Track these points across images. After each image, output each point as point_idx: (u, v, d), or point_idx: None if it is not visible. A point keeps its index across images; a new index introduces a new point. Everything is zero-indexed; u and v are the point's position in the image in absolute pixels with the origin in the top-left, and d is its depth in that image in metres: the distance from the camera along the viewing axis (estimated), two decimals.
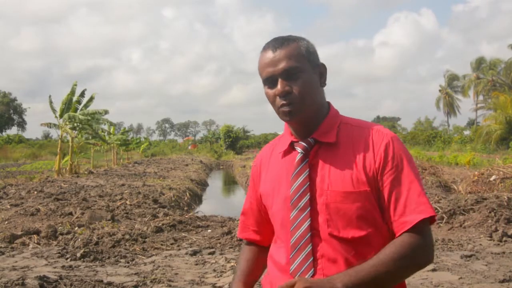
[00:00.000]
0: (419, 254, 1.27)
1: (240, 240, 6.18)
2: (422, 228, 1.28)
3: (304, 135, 1.40)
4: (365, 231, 1.31)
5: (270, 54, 1.36)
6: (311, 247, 1.32)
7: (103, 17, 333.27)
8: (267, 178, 1.49)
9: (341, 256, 1.30)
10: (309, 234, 1.33)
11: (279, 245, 1.44)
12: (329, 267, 1.30)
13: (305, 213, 1.34)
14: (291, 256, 1.35)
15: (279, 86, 1.34)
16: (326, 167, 1.35)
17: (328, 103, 1.45)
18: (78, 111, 17.82)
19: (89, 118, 17.38)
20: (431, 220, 1.31)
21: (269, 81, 1.37)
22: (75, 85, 17.81)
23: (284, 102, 1.34)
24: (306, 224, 1.33)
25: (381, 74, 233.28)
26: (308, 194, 1.34)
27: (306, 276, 1.31)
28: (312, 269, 1.31)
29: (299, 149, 1.39)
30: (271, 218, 1.47)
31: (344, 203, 1.31)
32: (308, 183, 1.35)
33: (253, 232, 1.61)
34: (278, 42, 1.37)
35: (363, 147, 1.34)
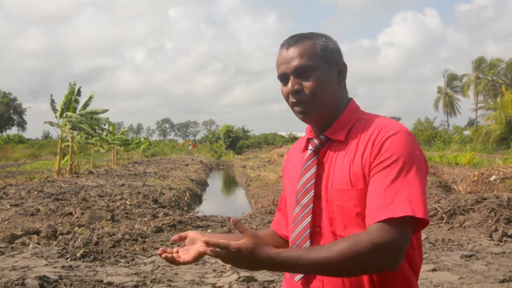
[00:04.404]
0: (373, 253, 1.15)
1: None
2: (390, 228, 1.16)
3: (320, 133, 1.40)
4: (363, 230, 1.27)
5: (284, 52, 1.37)
6: (309, 244, 1.31)
7: (108, 17, 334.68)
8: (288, 174, 1.52)
9: None
10: (308, 231, 1.32)
11: None
12: None
13: (307, 210, 1.33)
14: None
15: (289, 85, 1.35)
16: (332, 164, 1.34)
17: (350, 99, 1.42)
18: (77, 110, 17.82)
19: (87, 117, 17.39)
20: (420, 224, 1.20)
21: (283, 79, 1.38)
22: (74, 84, 17.79)
23: (294, 100, 1.35)
24: (307, 220, 1.33)
25: (385, 74, 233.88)
26: (313, 191, 1.34)
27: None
28: None
29: (310, 146, 1.40)
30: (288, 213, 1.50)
31: (343, 201, 1.29)
32: (313, 180, 1.34)
33: (285, 227, 1.58)
34: (293, 40, 1.37)
35: (367, 143, 1.30)
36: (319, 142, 1.38)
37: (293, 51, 1.34)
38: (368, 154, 1.27)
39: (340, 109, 1.39)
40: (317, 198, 1.34)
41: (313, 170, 1.36)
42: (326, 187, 1.33)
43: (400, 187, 1.19)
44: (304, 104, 1.34)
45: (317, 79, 1.33)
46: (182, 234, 1.43)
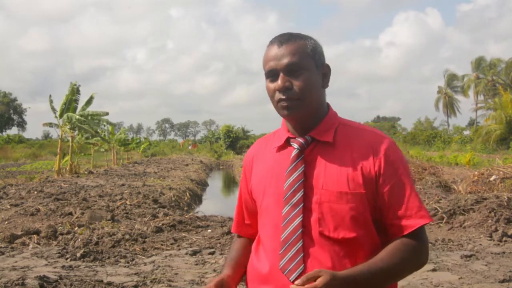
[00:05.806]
0: (419, 256, 1.34)
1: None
2: (421, 233, 1.35)
3: (301, 133, 1.40)
4: (355, 233, 1.31)
5: (275, 49, 1.37)
6: (302, 243, 1.31)
7: (109, 17, 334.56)
8: (259, 172, 1.48)
9: (328, 256, 1.30)
10: (300, 230, 1.32)
11: (264, 249, 1.42)
12: (315, 267, 1.29)
13: (297, 209, 1.33)
14: (281, 251, 1.34)
15: (279, 81, 1.35)
16: (321, 165, 1.35)
17: (327, 104, 1.46)
18: (77, 110, 17.81)
19: (88, 119, 17.39)
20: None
21: (271, 75, 1.38)
22: (74, 85, 17.79)
23: (282, 97, 1.35)
24: (298, 220, 1.33)
25: (386, 74, 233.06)
26: (302, 190, 1.34)
27: (296, 272, 1.30)
28: (302, 265, 1.30)
29: (295, 145, 1.39)
30: (260, 213, 1.45)
31: (337, 203, 1.31)
32: (302, 179, 1.35)
33: (247, 226, 1.59)
34: (284, 38, 1.38)
35: (363, 149, 1.35)
36: (304, 141, 1.38)
37: (285, 49, 1.35)
38: (371, 163, 1.34)
39: (323, 111, 1.42)
40: (304, 198, 1.34)
41: (301, 169, 1.36)
42: (316, 188, 1.34)
43: (415, 194, 1.35)
44: (290, 101, 1.35)
45: (306, 79, 1.35)
46: None
